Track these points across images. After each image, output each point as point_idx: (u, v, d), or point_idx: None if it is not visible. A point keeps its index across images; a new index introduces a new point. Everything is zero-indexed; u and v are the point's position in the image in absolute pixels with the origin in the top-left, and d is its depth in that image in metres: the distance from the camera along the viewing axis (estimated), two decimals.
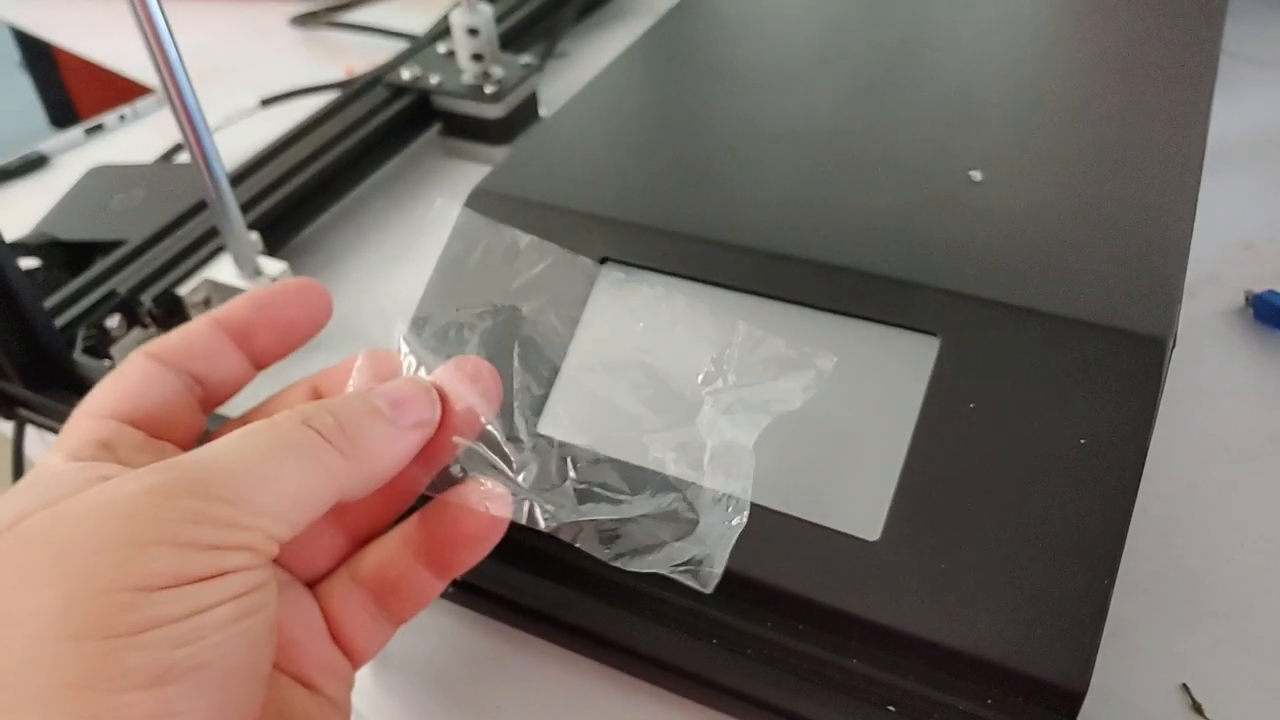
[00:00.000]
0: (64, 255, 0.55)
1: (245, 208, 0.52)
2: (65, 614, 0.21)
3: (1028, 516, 0.31)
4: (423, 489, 0.30)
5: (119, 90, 0.76)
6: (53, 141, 0.70)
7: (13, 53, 0.83)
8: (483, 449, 0.30)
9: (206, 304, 0.51)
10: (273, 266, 0.50)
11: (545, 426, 0.35)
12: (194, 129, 0.43)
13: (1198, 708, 0.33)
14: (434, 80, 0.61)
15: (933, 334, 0.34)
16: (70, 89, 0.79)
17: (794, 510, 0.33)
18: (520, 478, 0.30)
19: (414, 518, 0.31)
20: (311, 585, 0.31)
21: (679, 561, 0.29)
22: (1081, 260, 0.35)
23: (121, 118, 0.74)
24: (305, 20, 0.84)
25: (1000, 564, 0.30)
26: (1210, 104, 0.44)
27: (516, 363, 0.35)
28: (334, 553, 0.32)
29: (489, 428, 0.31)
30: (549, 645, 0.36)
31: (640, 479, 0.32)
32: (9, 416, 0.47)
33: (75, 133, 0.72)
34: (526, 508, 0.30)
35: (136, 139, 0.72)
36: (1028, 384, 0.32)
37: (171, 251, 0.51)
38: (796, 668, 0.31)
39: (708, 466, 0.31)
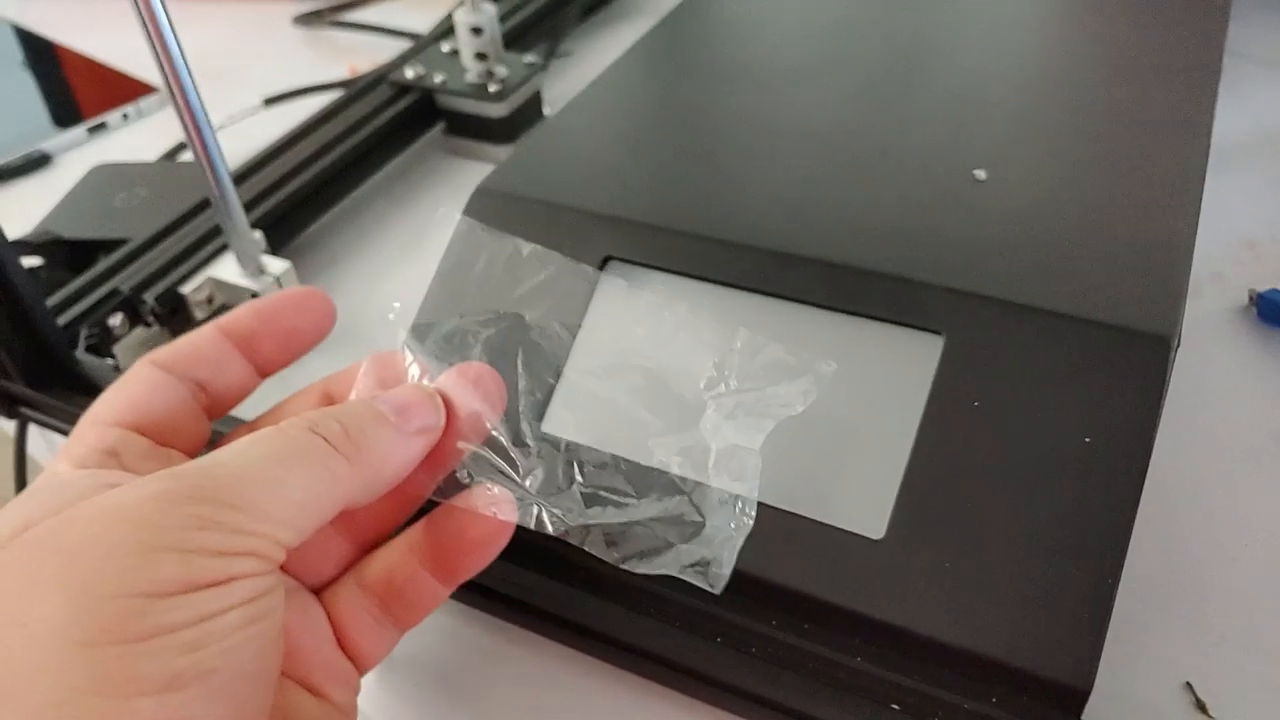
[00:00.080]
0: (67, 254, 0.55)
1: (248, 206, 0.52)
2: (73, 620, 0.21)
3: (1032, 515, 0.31)
4: (428, 494, 0.30)
5: (122, 89, 0.76)
6: (55, 140, 0.70)
7: (15, 51, 0.83)
8: (488, 454, 0.31)
9: (209, 302, 0.51)
10: (276, 265, 0.50)
11: (549, 431, 0.35)
12: (197, 128, 0.43)
13: (1201, 706, 0.33)
14: (438, 79, 0.61)
15: (937, 332, 0.34)
16: (73, 87, 0.79)
17: (798, 508, 0.33)
18: (527, 482, 0.31)
19: (420, 523, 0.31)
20: (318, 591, 0.31)
21: (687, 563, 0.29)
22: (1086, 259, 0.35)
23: (124, 116, 0.74)
24: (308, 19, 0.84)
25: (1004, 562, 0.30)
26: (1214, 103, 0.44)
27: (520, 369, 0.35)
28: (340, 559, 0.32)
29: (494, 433, 0.31)
30: (553, 643, 0.36)
31: (646, 482, 0.32)
32: (11, 415, 0.47)
33: (78, 131, 0.72)
34: (535, 512, 0.30)
35: (139, 138, 0.72)
36: (1032, 382, 0.32)
37: (174, 250, 0.51)
38: (801, 666, 0.31)
39: (713, 469, 0.31)
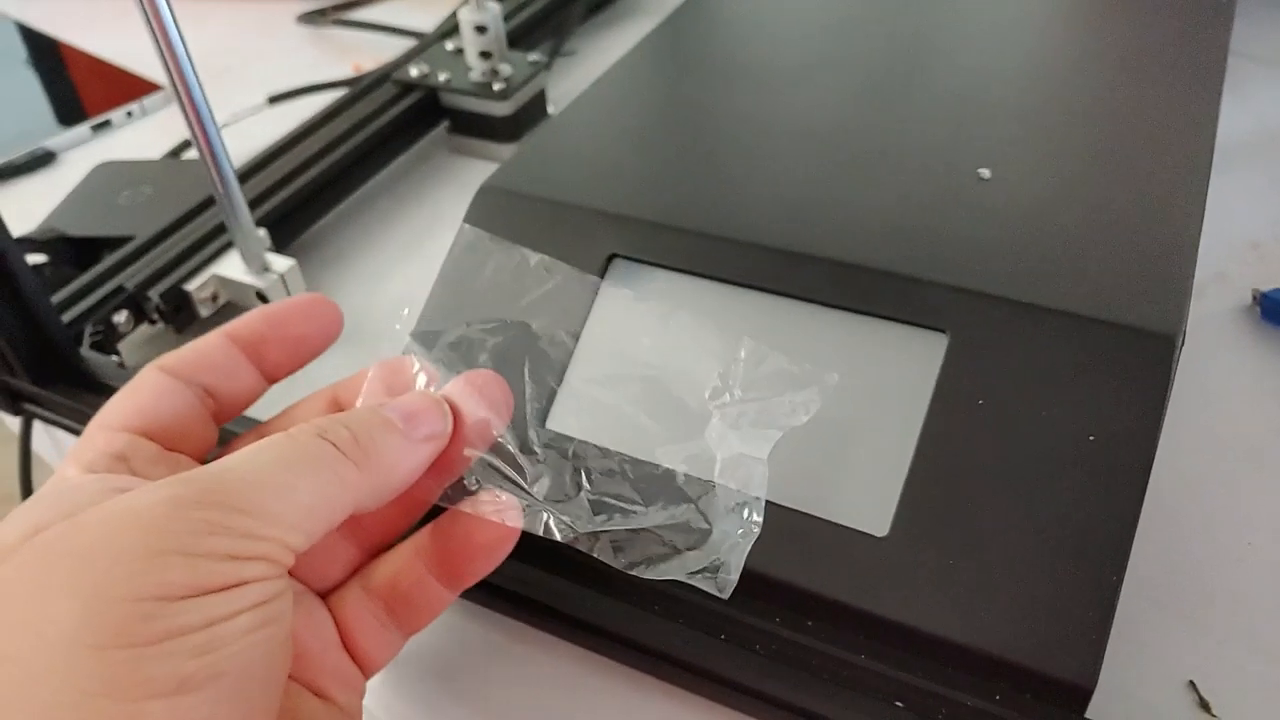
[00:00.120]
0: (71, 251, 0.55)
1: (253, 204, 0.52)
2: (84, 623, 0.21)
3: (1036, 513, 0.31)
4: (435, 500, 0.31)
5: (126, 87, 0.76)
6: (60, 138, 0.71)
7: (19, 49, 0.83)
8: (495, 461, 0.31)
9: (214, 300, 0.51)
10: (280, 263, 0.50)
11: (552, 439, 0.35)
12: (202, 125, 0.43)
13: (1205, 705, 0.33)
14: (442, 77, 0.61)
15: (941, 331, 0.34)
16: (77, 86, 0.80)
17: (802, 506, 0.33)
18: (534, 489, 0.31)
19: (426, 529, 0.31)
20: (324, 596, 0.31)
21: (694, 569, 0.30)
22: (1090, 257, 0.35)
23: (129, 114, 0.74)
24: (313, 18, 0.84)
25: (1008, 560, 0.30)
26: (1219, 103, 0.44)
27: (527, 377, 0.35)
28: (347, 563, 0.32)
29: (501, 440, 0.31)
30: (558, 641, 0.36)
31: (653, 490, 0.32)
32: (16, 412, 0.47)
33: (82, 129, 0.72)
34: (544, 519, 0.30)
35: (144, 135, 0.73)
36: (1036, 381, 0.32)
37: (179, 247, 0.51)
38: (805, 663, 0.31)
39: (719, 477, 0.31)
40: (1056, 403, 0.32)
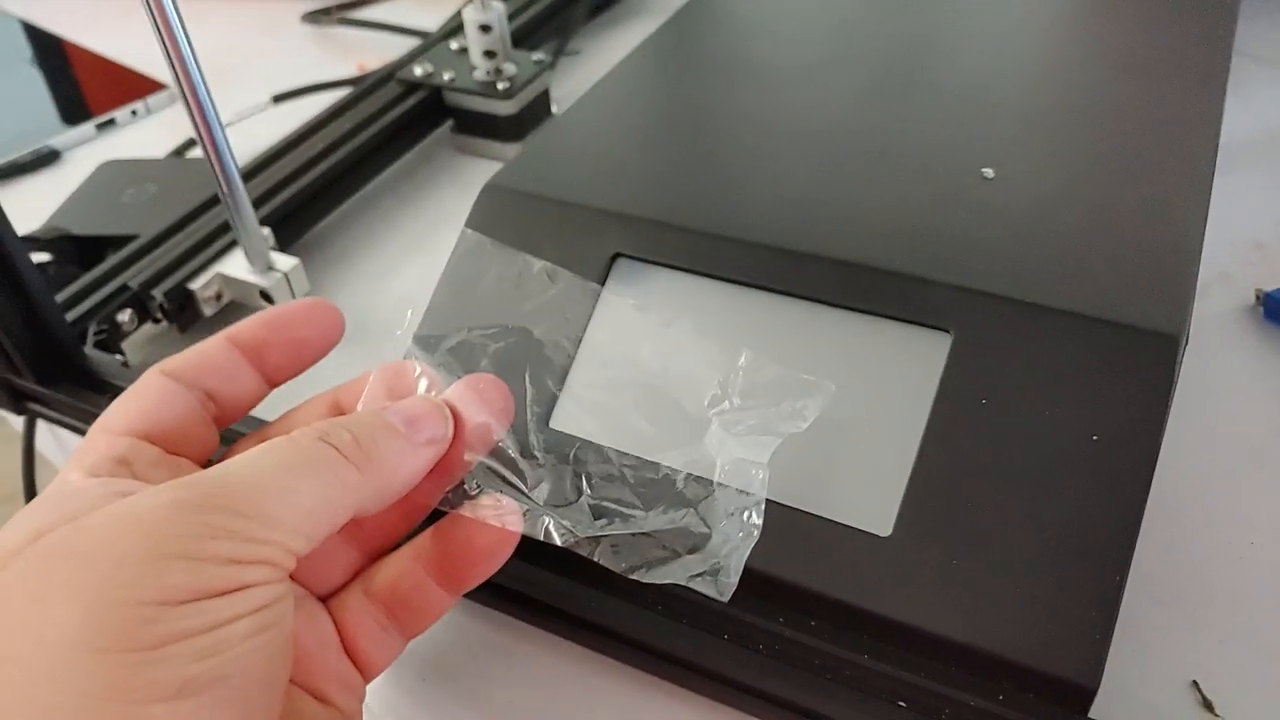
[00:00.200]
0: (76, 250, 0.55)
1: (257, 203, 0.52)
2: (86, 627, 0.21)
3: (1039, 513, 0.31)
4: (436, 504, 0.31)
5: (131, 85, 0.76)
6: (64, 136, 0.71)
7: (24, 48, 0.83)
8: (496, 465, 0.31)
9: (218, 299, 0.51)
10: (284, 262, 0.50)
11: (553, 444, 0.35)
12: (207, 124, 0.43)
13: (1208, 704, 0.33)
14: (446, 77, 0.61)
15: (945, 330, 0.34)
16: (82, 84, 0.80)
17: (805, 505, 0.33)
18: (534, 494, 0.31)
19: (427, 532, 0.31)
20: (325, 599, 0.32)
21: (695, 573, 0.30)
22: (1094, 257, 0.35)
23: (133, 113, 0.74)
24: (317, 17, 0.84)
25: (1011, 560, 0.30)
26: (1223, 103, 0.44)
27: (528, 382, 0.35)
28: (348, 567, 0.32)
29: (502, 445, 0.31)
30: (560, 640, 0.36)
31: (653, 494, 0.32)
32: (20, 411, 0.47)
33: (87, 128, 0.72)
34: (544, 524, 0.30)
35: (148, 134, 0.73)
36: (1040, 380, 0.32)
37: (183, 246, 0.51)
38: (808, 663, 0.31)
39: (719, 482, 0.32)
40: (1060, 402, 0.32)
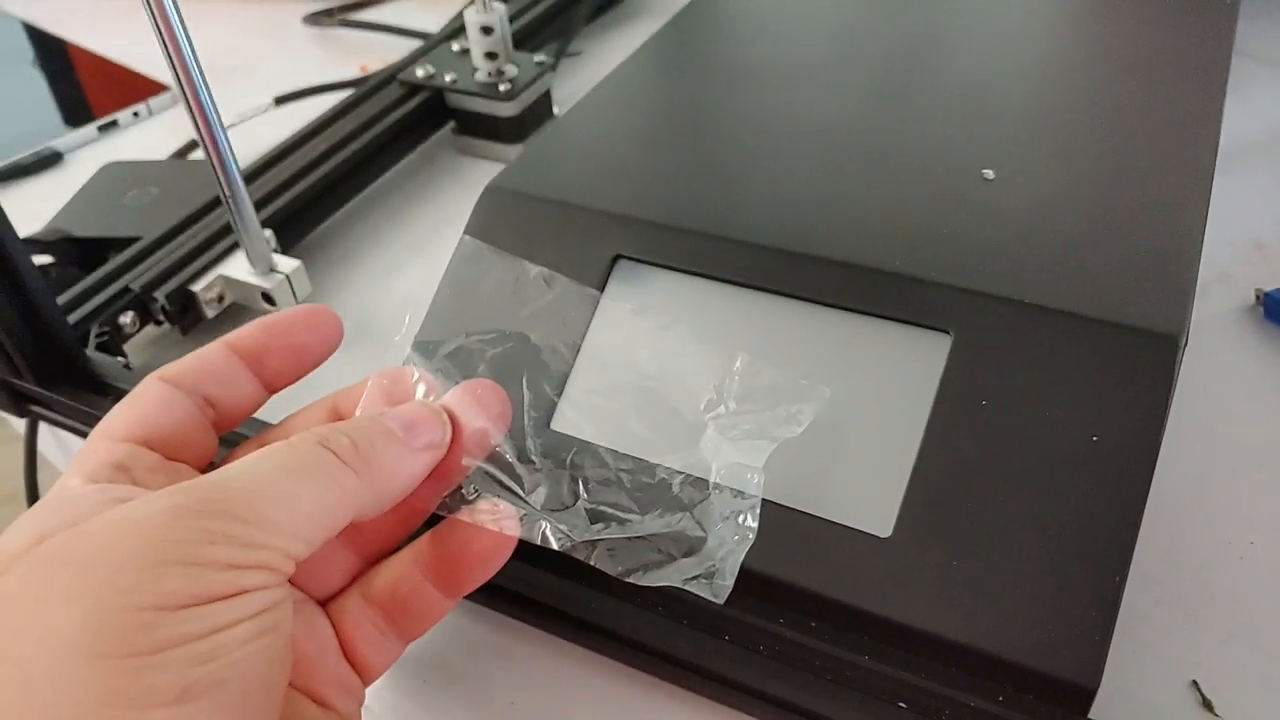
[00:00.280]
0: (77, 252, 0.55)
1: (259, 205, 0.53)
2: (86, 632, 0.21)
3: (1039, 513, 0.31)
4: (434, 509, 0.31)
5: (132, 87, 0.76)
6: (66, 138, 0.71)
7: (26, 49, 0.84)
8: (494, 470, 0.31)
9: (220, 300, 0.51)
10: (286, 264, 0.50)
11: (550, 448, 0.35)
12: (208, 126, 0.43)
13: (1208, 704, 0.33)
14: (448, 78, 0.61)
15: (945, 331, 0.34)
16: (84, 86, 0.80)
17: (805, 506, 0.33)
18: (531, 498, 0.31)
19: (425, 537, 0.32)
20: (323, 603, 0.32)
21: (690, 575, 0.30)
22: (1094, 258, 0.35)
23: (135, 115, 0.74)
24: (318, 18, 0.84)
25: (1011, 560, 0.30)
26: (1223, 103, 0.44)
27: (525, 387, 0.35)
28: (346, 571, 0.32)
29: (499, 450, 0.31)
30: (561, 641, 0.36)
31: (650, 498, 0.33)
32: (22, 413, 0.47)
33: (89, 130, 0.72)
34: (540, 528, 0.30)
35: (150, 136, 0.73)
36: (1040, 381, 0.32)
37: (185, 248, 0.51)
38: (808, 664, 0.31)
39: (714, 485, 0.32)
40: (1059, 403, 0.32)
